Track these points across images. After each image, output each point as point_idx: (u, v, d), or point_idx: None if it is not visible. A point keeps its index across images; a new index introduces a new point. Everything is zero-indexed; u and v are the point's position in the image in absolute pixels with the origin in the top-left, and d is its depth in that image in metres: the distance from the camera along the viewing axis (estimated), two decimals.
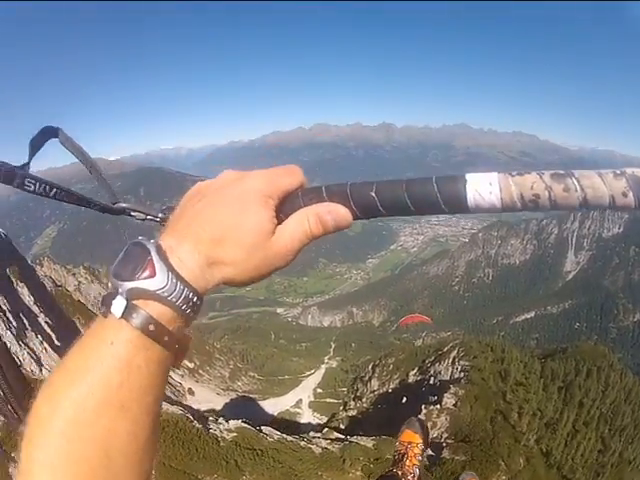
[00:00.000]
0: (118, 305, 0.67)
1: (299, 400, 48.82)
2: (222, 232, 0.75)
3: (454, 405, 17.52)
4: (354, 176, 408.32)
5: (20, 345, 20.30)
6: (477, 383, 19.31)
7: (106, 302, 0.68)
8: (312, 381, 61.80)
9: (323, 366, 76.28)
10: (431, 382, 24.47)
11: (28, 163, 0.85)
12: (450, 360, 27.23)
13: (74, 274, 42.95)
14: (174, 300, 0.68)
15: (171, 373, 39.19)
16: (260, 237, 0.77)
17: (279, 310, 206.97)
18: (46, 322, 24.49)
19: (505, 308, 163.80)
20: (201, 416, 21.98)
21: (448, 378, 23.48)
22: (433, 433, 14.18)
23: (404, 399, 21.05)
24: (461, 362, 24.28)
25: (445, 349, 30.36)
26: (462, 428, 16.72)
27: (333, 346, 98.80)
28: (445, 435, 16.53)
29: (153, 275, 0.68)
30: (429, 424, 14.27)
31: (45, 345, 22.27)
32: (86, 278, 41.73)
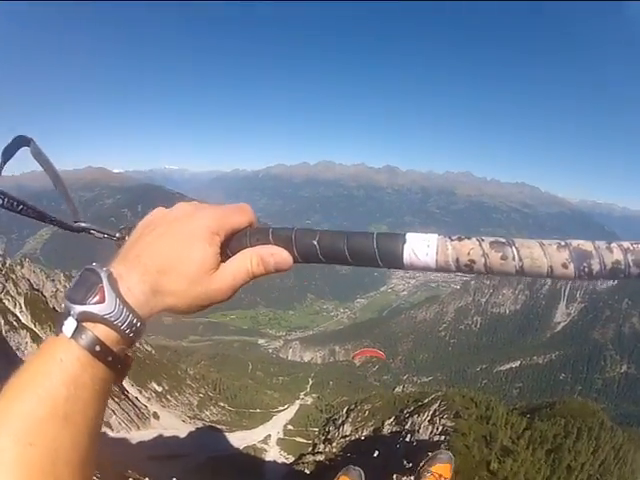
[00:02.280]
0: (69, 326, 0.72)
1: (267, 435, 47.18)
2: (168, 264, 0.80)
3: None
4: (353, 216, 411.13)
5: None
6: (459, 452, 17.87)
7: (58, 322, 0.74)
8: (284, 417, 60.18)
9: (297, 402, 74.74)
10: (407, 439, 22.88)
11: None
12: (430, 413, 25.90)
13: (53, 280, 41.82)
14: (119, 324, 0.74)
15: (138, 395, 38.07)
16: (202, 271, 0.82)
17: (261, 341, 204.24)
18: None
19: (490, 356, 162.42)
20: None
21: (427, 437, 21.90)
22: None
23: (376, 452, 19.41)
24: (442, 421, 22.79)
25: (426, 400, 29.10)
26: None
27: (310, 382, 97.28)
28: None
29: (102, 301, 0.73)
30: None
31: None
32: (64, 286, 40.56)
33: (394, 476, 17.99)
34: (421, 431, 22.66)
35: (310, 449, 34.52)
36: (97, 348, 0.72)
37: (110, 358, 0.74)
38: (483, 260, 0.77)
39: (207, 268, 0.82)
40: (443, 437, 19.97)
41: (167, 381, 44.50)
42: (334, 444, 36.37)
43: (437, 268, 0.81)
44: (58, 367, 0.70)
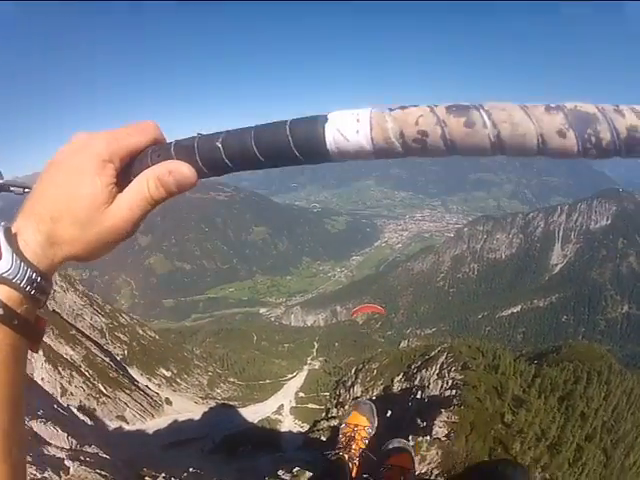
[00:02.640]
0: None
1: (280, 406, 47.78)
2: (59, 209, 0.73)
3: (446, 436, 16.15)
4: (340, 172, 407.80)
5: None
6: (472, 406, 17.89)
7: None
8: (294, 385, 60.82)
9: (306, 367, 75.35)
10: (418, 396, 22.97)
11: None
12: (438, 366, 26.17)
13: None
14: (18, 282, 0.68)
15: (148, 383, 38.36)
16: (93, 209, 0.74)
17: (262, 310, 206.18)
18: None
19: (491, 303, 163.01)
20: None
21: (437, 393, 21.93)
22: (422, 468, 12.97)
23: (389, 412, 19.60)
24: (451, 374, 22.83)
25: (432, 354, 29.42)
26: (457, 464, 15.67)
27: (316, 346, 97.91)
28: (436, 472, 15.41)
29: None
30: (417, 458, 13.13)
31: None
32: (61, 286, 40.33)
33: (409, 437, 18.30)
34: (431, 386, 22.84)
35: (323, 414, 35.12)
36: (0, 311, 0.67)
37: (16, 321, 0.69)
38: (439, 130, 0.62)
39: (98, 204, 0.74)
40: (454, 391, 20.16)
41: (175, 365, 44.76)
42: (346, 407, 37.00)
43: (375, 150, 0.67)
44: None
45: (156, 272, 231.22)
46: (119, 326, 42.46)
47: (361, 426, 4.15)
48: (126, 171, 0.79)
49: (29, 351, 0.70)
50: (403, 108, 0.65)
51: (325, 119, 0.69)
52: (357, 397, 36.76)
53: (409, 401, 23.44)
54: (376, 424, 4.40)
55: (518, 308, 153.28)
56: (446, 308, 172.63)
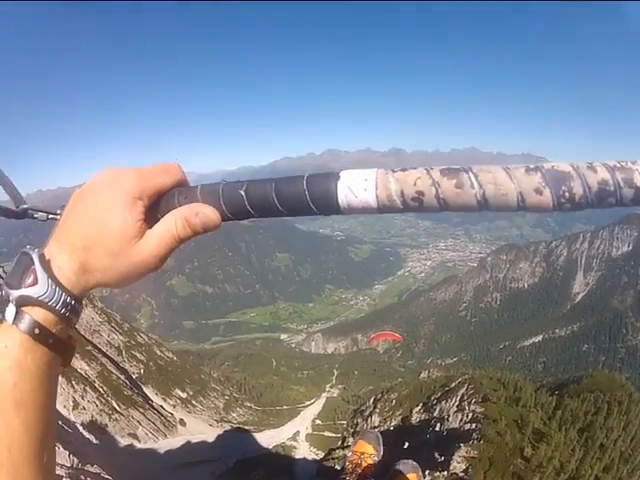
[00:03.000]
0: (10, 312, 0.73)
1: (296, 432, 47.02)
2: (92, 239, 0.78)
3: (464, 471, 15.44)
4: None
5: None
6: (492, 440, 17.17)
7: (1, 309, 0.74)
8: (311, 412, 60.07)
9: (324, 395, 74.71)
10: (437, 428, 22.14)
11: None
12: (458, 398, 25.30)
13: None
14: (54, 305, 0.74)
15: (163, 404, 37.95)
16: (124, 243, 0.79)
17: (283, 336, 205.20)
18: None
19: (512, 333, 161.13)
20: None
21: (457, 426, 21.06)
22: None
23: (406, 444, 18.90)
24: (471, 407, 21.96)
25: (452, 385, 28.54)
26: None
27: (335, 374, 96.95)
28: None
29: (36, 283, 0.74)
30: None
31: None
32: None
33: (426, 472, 17.46)
34: (450, 419, 21.95)
35: (339, 443, 34.30)
36: (36, 331, 0.73)
37: (51, 340, 0.75)
38: (434, 190, 0.70)
39: (129, 238, 0.79)
40: (473, 425, 19.30)
41: (191, 386, 44.38)
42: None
43: (380, 206, 0.74)
44: (3, 354, 0.70)
45: (177, 294, 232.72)
46: (136, 345, 42.34)
47: (367, 454, 4.23)
48: (153, 209, 0.84)
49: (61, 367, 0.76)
50: (404, 170, 0.71)
51: (338, 177, 0.75)
52: (375, 427, 35.87)
53: (427, 433, 22.61)
54: (382, 453, 4.49)
55: (540, 338, 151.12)
56: (468, 338, 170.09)
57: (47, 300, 0.74)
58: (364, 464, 4.16)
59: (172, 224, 0.82)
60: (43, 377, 0.73)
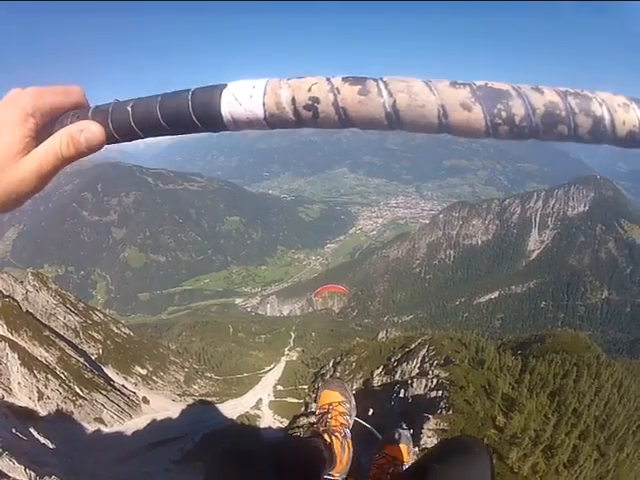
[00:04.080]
0: None
1: (259, 400, 47.86)
2: None
3: None
4: (312, 161, 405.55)
5: None
6: (461, 410, 17.37)
7: None
8: (272, 377, 60.82)
9: (283, 359, 75.60)
10: (401, 394, 22.43)
11: None
12: (419, 360, 25.92)
13: (22, 282, 40.67)
14: None
15: (124, 383, 37.93)
16: (8, 159, 0.78)
17: (238, 301, 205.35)
18: None
19: (468, 289, 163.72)
20: None
21: (422, 392, 21.33)
22: None
23: (370, 411, 19.15)
24: (435, 370, 22.31)
25: (412, 346, 29.22)
26: None
27: (293, 336, 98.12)
28: None
29: None
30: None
31: None
32: (34, 285, 39.52)
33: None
34: (415, 385, 22.12)
35: (302, 409, 35.13)
36: None
37: None
38: (332, 97, 0.63)
39: (14, 153, 0.78)
40: (440, 392, 19.60)
41: (150, 362, 44.34)
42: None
43: (267, 117, 0.69)
44: None
45: (131, 265, 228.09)
46: (93, 324, 41.89)
47: (336, 402, 3.68)
48: (47, 129, 0.83)
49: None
50: (302, 77, 0.67)
51: (224, 86, 0.72)
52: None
53: (392, 400, 23.01)
54: (353, 401, 3.90)
55: (496, 294, 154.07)
56: (423, 295, 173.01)
57: None
58: (335, 413, 3.62)
59: (57, 141, 0.80)
60: None
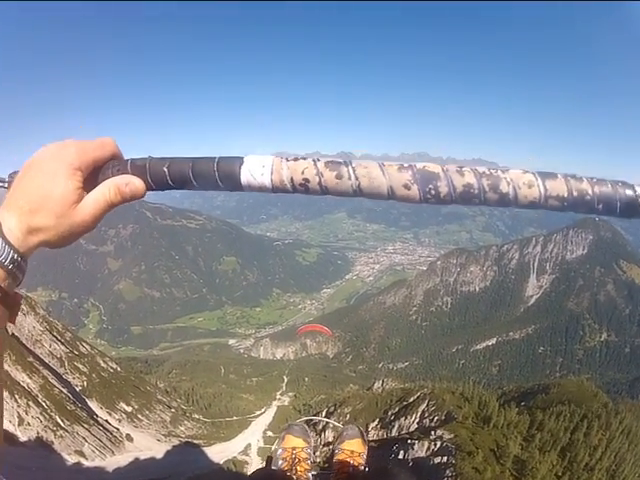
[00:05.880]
0: None
1: (247, 445, 45.91)
2: (38, 204, 0.93)
3: None
4: (312, 205, 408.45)
5: None
6: (471, 479, 16.07)
7: None
8: (262, 422, 58.80)
9: (274, 403, 73.63)
10: (400, 455, 20.93)
11: None
12: (418, 415, 24.56)
13: None
14: (3, 261, 0.89)
15: (108, 418, 36.25)
16: (66, 206, 0.95)
17: (231, 341, 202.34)
18: None
19: (465, 336, 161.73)
20: None
21: (424, 455, 19.88)
22: None
23: (365, 468, 17.45)
24: (438, 431, 20.78)
25: (411, 399, 27.86)
26: None
27: (285, 380, 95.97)
28: None
29: None
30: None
31: None
32: (22, 309, 38.22)
33: None
34: (416, 447, 20.59)
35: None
36: None
37: (0, 294, 0.88)
38: (318, 179, 0.86)
39: (70, 202, 0.95)
40: (445, 458, 18.07)
41: (136, 399, 42.77)
42: (317, 453, 35.15)
43: (273, 188, 0.92)
44: None
45: (125, 298, 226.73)
46: (79, 355, 40.58)
47: (299, 448, 3.91)
48: (90, 178, 1.01)
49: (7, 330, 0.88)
50: (296, 160, 0.89)
51: (242, 162, 0.93)
52: (329, 443, 35.05)
53: (389, 460, 21.24)
54: (313, 443, 4.21)
55: (493, 341, 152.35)
56: (419, 342, 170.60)
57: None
58: (300, 459, 3.83)
59: (106, 190, 0.99)
60: None
